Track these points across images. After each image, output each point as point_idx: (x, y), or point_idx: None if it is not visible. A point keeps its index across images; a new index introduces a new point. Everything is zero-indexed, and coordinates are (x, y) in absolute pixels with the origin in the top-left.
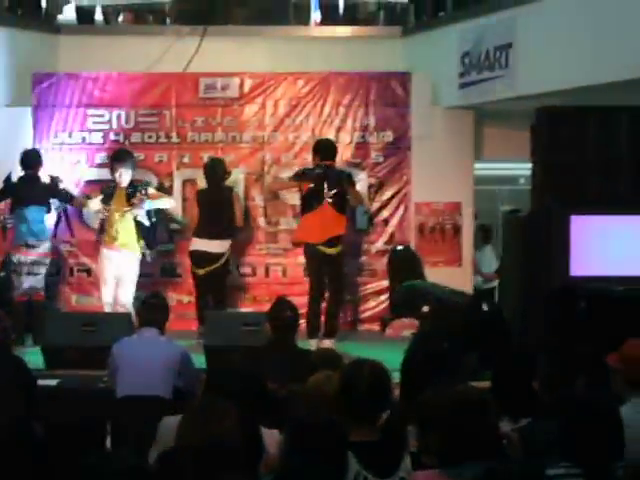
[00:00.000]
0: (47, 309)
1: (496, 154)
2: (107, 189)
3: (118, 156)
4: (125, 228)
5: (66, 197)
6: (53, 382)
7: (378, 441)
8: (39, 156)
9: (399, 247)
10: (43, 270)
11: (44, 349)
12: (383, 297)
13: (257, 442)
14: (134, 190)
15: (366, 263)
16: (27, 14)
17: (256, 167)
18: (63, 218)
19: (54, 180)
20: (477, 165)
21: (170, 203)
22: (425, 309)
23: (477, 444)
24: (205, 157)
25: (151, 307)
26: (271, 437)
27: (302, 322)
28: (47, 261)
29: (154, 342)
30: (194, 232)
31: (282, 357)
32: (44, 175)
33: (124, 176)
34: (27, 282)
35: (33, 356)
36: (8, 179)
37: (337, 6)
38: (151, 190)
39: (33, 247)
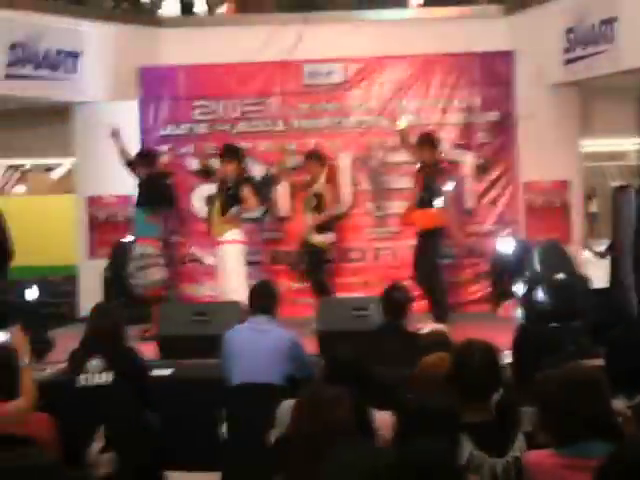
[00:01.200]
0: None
1: (604, 130)
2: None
3: (221, 152)
4: (220, 218)
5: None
6: (167, 372)
7: (491, 421)
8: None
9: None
10: (152, 265)
11: (158, 339)
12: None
13: (368, 425)
14: (234, 191)
15: (476, 244)
16: (130, 9)
17: (362, 152)
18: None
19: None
20: (585, 142)
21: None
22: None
23: (591, 422)
24: (312, 143)
25: (261, 294)
26: (383, 419)
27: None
28: (155, 257)
29: (265, 329)
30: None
31: (394, 340)
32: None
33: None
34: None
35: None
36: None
37: None
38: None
39: (142, 244)
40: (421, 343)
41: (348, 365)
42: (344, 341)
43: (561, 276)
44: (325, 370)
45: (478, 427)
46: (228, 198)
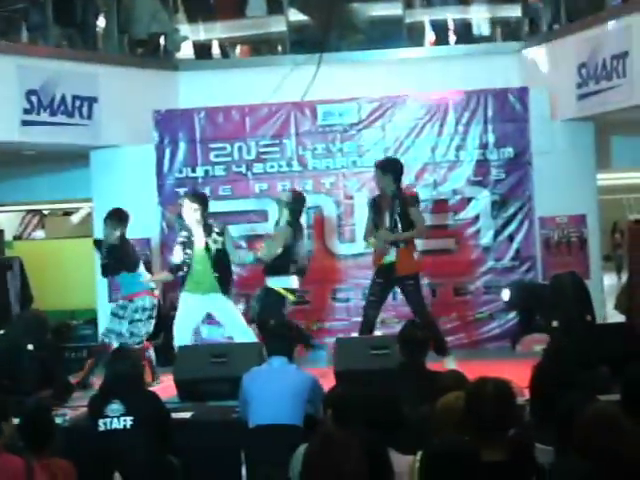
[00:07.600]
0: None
1: (620, 163)
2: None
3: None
4: (206, 269)
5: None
6: (187, 415)
7: (507, 461)
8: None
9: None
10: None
11: (177, 382)
12: (512, 314)
13: (387, 468)
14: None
15: (493, 280)
16: (146, 53)
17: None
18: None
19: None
20: (602, 175)
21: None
22: (555, 324)
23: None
24: (327, 184)
25: (278, 336)
26: (402, 462)
27: None
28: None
29: (283, 371)
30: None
31: (413, 380)
32: None
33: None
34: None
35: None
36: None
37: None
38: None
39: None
40: (439, 383)
41: (366, 405)
42: (362, 380)
43: (578, 311)
44: (340, 412)
45: (494, 467)
46: None
